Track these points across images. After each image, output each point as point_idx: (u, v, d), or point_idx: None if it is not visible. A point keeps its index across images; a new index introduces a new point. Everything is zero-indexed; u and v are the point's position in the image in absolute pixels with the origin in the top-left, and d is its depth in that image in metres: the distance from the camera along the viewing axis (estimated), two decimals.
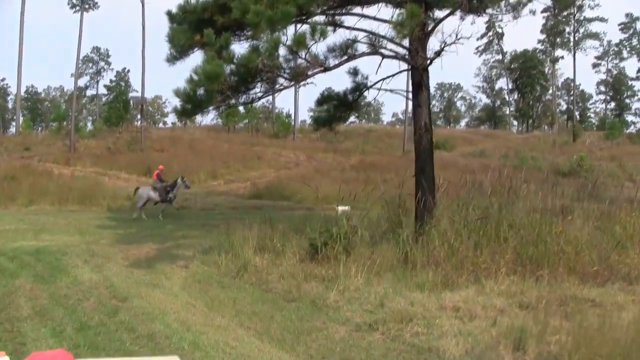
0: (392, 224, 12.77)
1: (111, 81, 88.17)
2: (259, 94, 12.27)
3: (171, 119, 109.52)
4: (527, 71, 76.07)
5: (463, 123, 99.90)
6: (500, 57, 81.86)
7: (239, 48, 11.56)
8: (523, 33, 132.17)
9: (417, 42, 12.85)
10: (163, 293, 9.31)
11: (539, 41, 75.84)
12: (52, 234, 15.63)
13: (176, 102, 11.46)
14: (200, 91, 10.41)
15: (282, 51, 10.81)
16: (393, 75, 14.68)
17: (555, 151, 47.43)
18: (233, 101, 11.90)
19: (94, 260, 11.75)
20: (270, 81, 11.74)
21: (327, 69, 11.89)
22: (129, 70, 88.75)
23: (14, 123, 68.45)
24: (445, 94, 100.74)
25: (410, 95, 14.15)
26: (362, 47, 12.98)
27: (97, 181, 28.07)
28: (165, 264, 11.50)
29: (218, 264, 11.16)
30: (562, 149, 48.69)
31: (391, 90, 15.54)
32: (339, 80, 16.50)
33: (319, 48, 12.97)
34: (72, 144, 39.39)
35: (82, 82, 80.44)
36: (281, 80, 11.78)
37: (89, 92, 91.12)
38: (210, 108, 11.53)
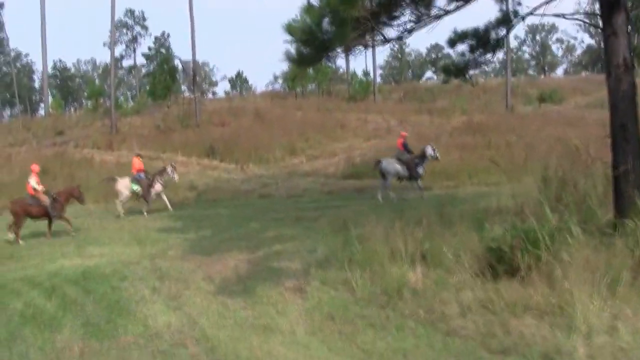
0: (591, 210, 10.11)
1: (150, 48, 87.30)
2: (408, 26, 9.66)
3: (223, 87, 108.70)
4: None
5: (560, 70, 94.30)
6: None
7: None
8: None
9: None
10: (285, 344, 6.93)
11: None
12: (101, 245, 13.61)
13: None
14: (326, 24, 7.90)
15: None
16: None
17: None
18: (369, 38, 9.32)
19: (165, 286, 9.51)
20: (425, 4, 9.16)
21: None
22: (169, 35, 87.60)
23: (42, 105, 68.21)
24: (538, 37, 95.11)
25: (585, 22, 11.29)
26: None
27: (150, 168, 26.16)
28: (269, 287, 9.12)
29: (351, 285, 8.69)
30: None
31: (563, 16, 12.76)
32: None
33: None
34: (113, 123, 37.97)
35: (116, 51, 79.65)
36: (440, 2, 9.21)
37: (126, 63, 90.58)
38: (339, 49, 8.97)
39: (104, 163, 28.19)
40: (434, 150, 19.50)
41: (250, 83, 76.14)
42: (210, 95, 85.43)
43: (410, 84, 73.72)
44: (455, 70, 13.77)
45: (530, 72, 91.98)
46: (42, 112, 65.46)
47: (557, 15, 12.12)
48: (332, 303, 8.22)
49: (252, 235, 13.97)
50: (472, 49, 13.06)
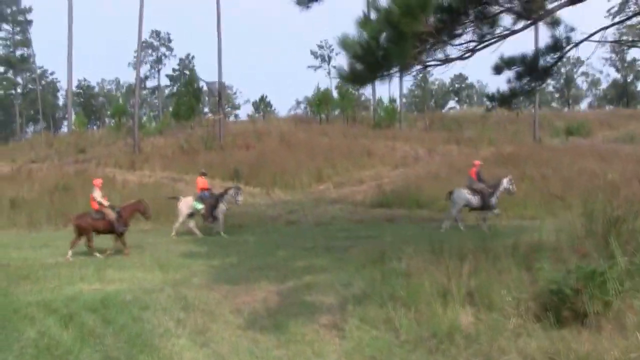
0: None
1: (174, 70, 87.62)
2: (470, 45, 9.06)
3: (245, 110, 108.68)
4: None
5: (584, 104, 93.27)
6: (635, 20, 74.84)
7: None
8: None
9: None
10: None
11: None
12: (122, 269, 12.97)
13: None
14: (384, 40, 7.28)
15: None
16: (623, 21, 11.33)
17: None
18: (428, 57, 8.72)
19: (191, 318, 8.82)
20: (489, 22, 8.58)
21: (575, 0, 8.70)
22: (193, 57, 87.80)
23: (65, 122, 68.28)
24: (563, 69, 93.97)
25: None
26: None
27: (173, 189, 25.68)
28: (302, 323, 8.41)
29: (393, 325, 7.97)
30: None
31: (621, 42, 12.13)
32: None
33: None
34: (136, 143, 37.60)
35: (141, 72, 79.86)
36: (505, 21, 8.63)
37: (149, 84, 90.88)
38: (395, 69, 8.34)
39: (125, 183, 27.69)
40: (511, 183, 18.93)
41: (273, 107, 76.00)
42: (232, 118, 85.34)
43: (433, 113, 73.15)
44: (501, 98, 13.18)
45: (554, 104, 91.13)
46: (65, 129, 65.51)
47: (617, 42, 11.51)
48: (374, 345, 7.49)
49: (280, 264, 13.29)
50: (519, 76, 12.49)
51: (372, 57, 7.51)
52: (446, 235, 16.02)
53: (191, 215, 19.26)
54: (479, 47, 9.30)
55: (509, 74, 12.54)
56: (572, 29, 11.62)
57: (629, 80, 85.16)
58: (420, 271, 9.50)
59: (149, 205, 16.78)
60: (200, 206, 19.19)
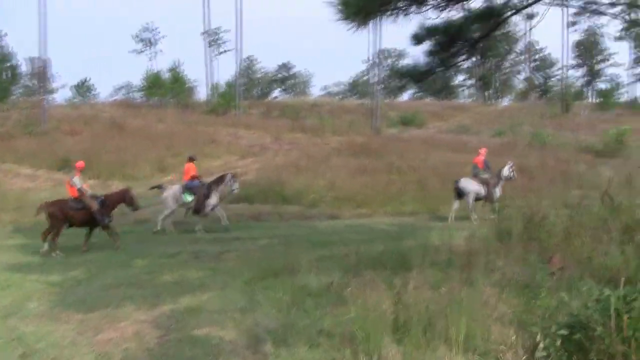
0: None
1: None
2: None
3: (63, 95, 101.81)
4: (490, 32, 73.43)
5: (406, 95, 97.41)
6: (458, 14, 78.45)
7: None
8: None
9: None
10: None
11: None
12: None
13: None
14: None
15: None
16: None
17: (551, 124, 46.16)
18: None
19: None
20: None
21: None
22: (6, 34, 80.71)
23: None
24: (389, 61, 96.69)
25: None
26: None
27: None
28: None
29: None
30: (557, 122, 48.00)
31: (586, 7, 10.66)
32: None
33: None
34: None
35: None
36: None
37: None
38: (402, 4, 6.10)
39: None
40: (511, 170, 18.11)
41: (97, 91, 70.97)
42: (47, 103, 79.31)
43: (258, 100, 72.18)
44: (417, 75, 11.25)
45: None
46: None
47: (582, 9, 9.92)
48: None
49: (143, 279, 10.61)
50: (440, 48, 10.69)
51: None
52: (333, 236, 14.07)
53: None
54: None
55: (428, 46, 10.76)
56: None
57: (448, 74, 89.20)
58: (347, 290, 7.30)
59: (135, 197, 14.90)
60: (190, 198, 16.84)
